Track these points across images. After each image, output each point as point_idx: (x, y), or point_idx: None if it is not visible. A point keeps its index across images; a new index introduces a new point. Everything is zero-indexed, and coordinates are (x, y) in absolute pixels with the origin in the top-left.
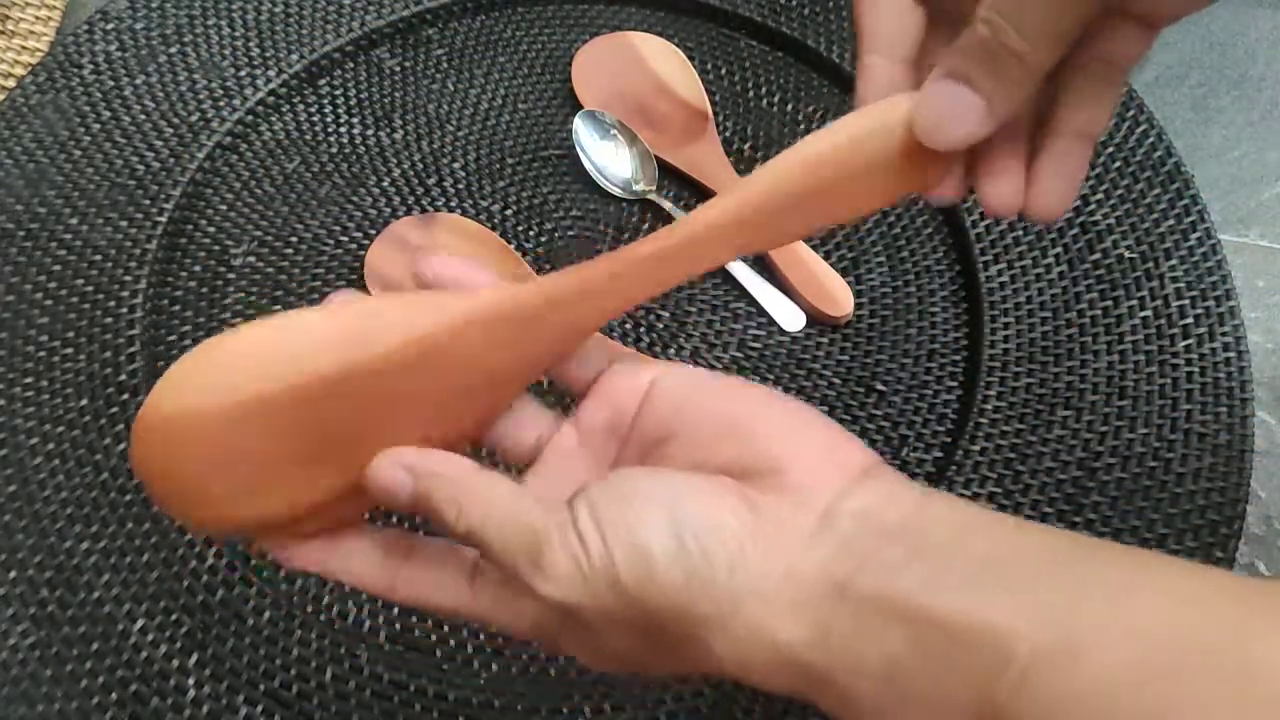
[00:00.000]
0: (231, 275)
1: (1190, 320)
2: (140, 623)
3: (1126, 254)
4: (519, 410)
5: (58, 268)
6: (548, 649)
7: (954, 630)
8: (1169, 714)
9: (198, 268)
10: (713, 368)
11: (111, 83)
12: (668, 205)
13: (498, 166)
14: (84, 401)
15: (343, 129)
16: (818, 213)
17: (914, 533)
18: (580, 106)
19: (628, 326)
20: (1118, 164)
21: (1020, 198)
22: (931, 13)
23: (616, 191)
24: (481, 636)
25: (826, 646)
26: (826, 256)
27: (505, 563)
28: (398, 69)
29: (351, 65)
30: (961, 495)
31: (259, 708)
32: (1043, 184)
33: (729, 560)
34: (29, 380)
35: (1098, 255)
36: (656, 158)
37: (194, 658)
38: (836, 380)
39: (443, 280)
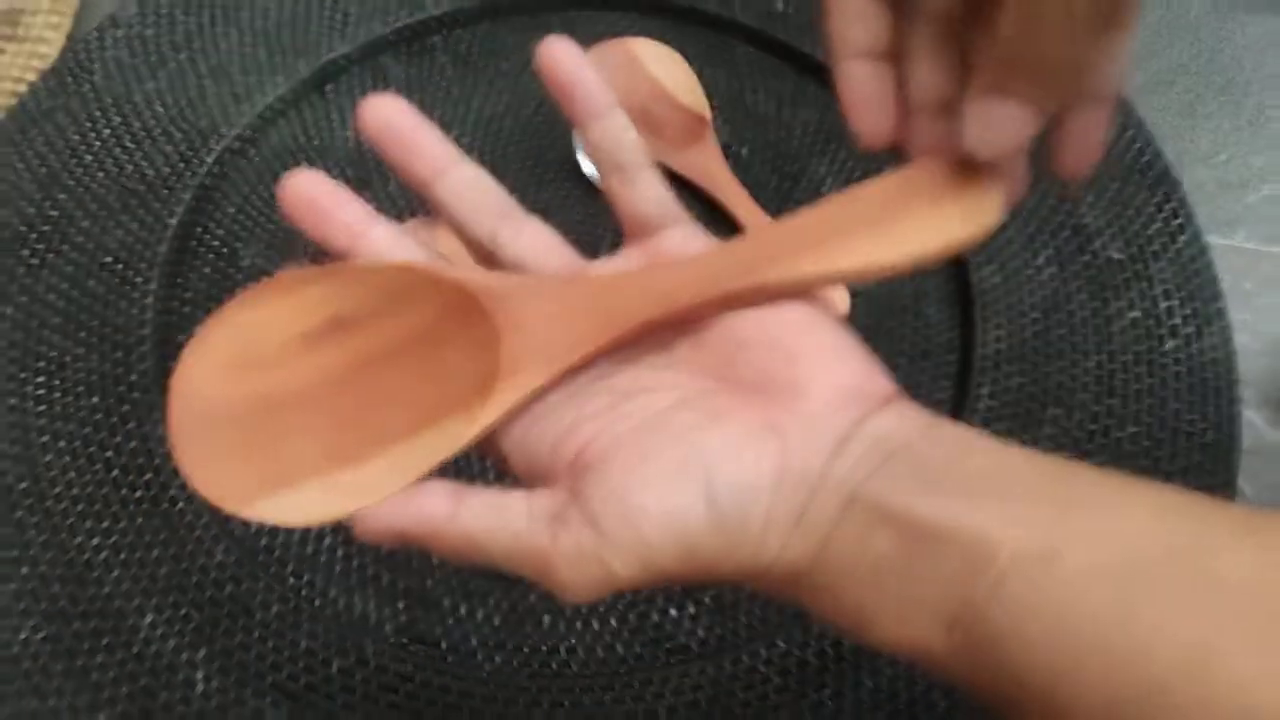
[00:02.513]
0: (240, 277)
1: (1179, 321)
2: (149, 617)
3: (1115, 256)
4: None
5: (70, 269)
6: None
7: (940, 534)
8: (1131, 612)
9: (207, 269)
10: None
11: (122, 88)
12: None
13: (500, 171)
14: (95, 400)
15: (349, 134)
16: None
17: (917, 450)
18: None
19: None
20: (1106, 167)
21: (1024, 184)
22: (895, 5)
23: None
24: (486, 630)
25: (824, 557)
26: None
27: (524, 576)
28: (402, 75)
29: (358, 71)
30: None
31: (267, 700)
32: (1073, 151)
33: (762, 518)
34: (41, 380)
35: (1088, 257)
36: (656, 162)
37: (202, 651)
38: None
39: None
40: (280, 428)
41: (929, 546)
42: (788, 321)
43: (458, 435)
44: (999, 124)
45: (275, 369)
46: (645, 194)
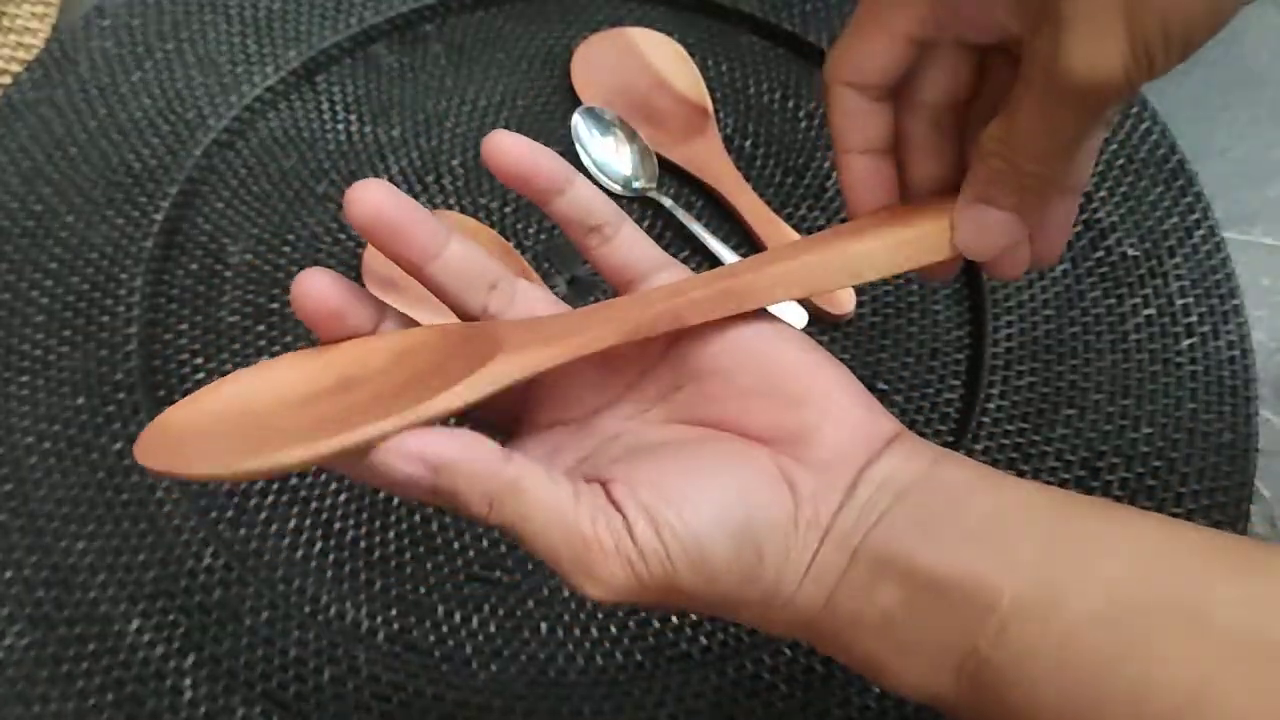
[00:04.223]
0: (228, 273)
1: (1194, 318)
2: (136, 623)
3: (1130, 252)
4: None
5: (54, 265)
6: None
7: (944, 584)
8: (1129, 656)
9: (194, 266)
10: None
11: (108, 79)
12: (668, 202)
13: None
14: (80, 400)
15: (340, 126)
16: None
17: (921, 493)
18: (579, 103)
19: None
20: (1121, 161)
21: (1026, 258)
22: (894, 99)
23: (616, 189)
24: (480, 637)
25: (833, 607)
26: None
27: (548, 561)
28: (396, 65)
29: (349, 61)
30: None
31: (256, 709)
32: (1044, 238)
33: (778, 559)
34: (25, 379)
35: (1101, 253)
36: (656, 154)
37: (191, 658)
38: None
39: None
40: (253, 426)
41: (932, 595)
42: (789, 363)
43: (442, 407)
44: (987, 230)
45: (266, 415)
46: (628, 248)
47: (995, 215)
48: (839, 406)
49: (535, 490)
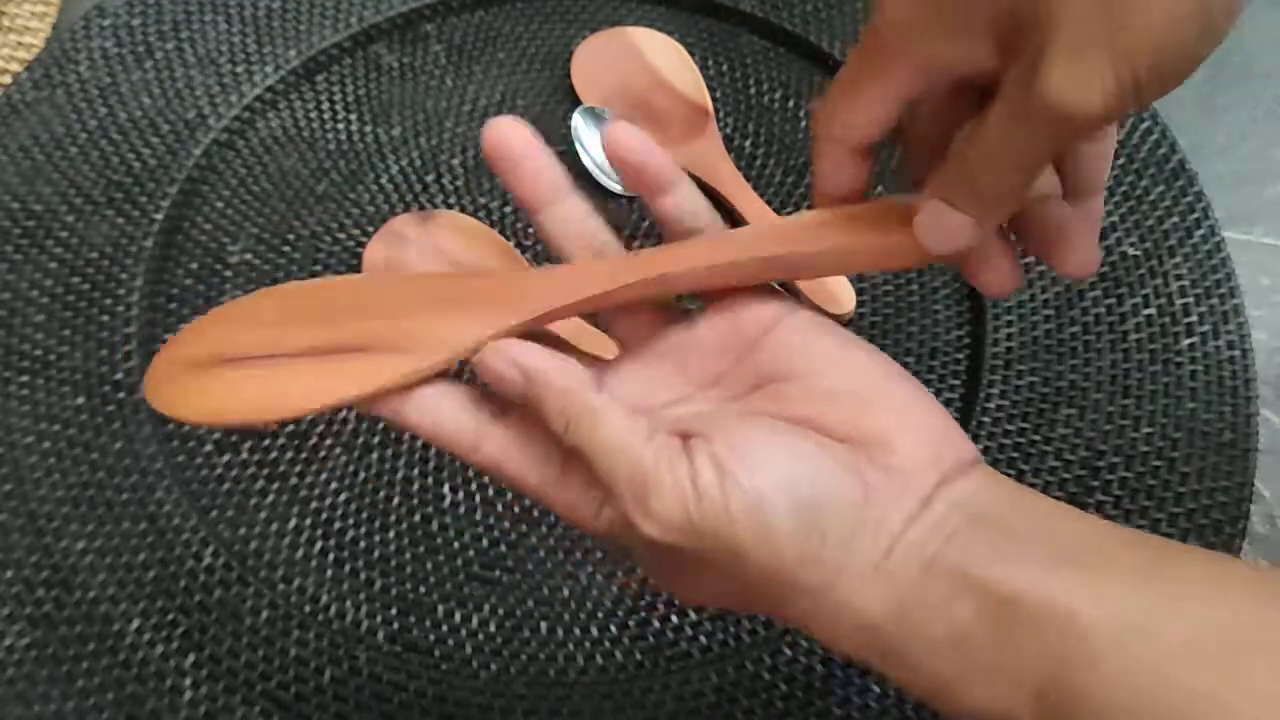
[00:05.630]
0: (228, 273)
1: (1194, 318)
2: (136, 622)
3: (1130, 251)
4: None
5: (54, 265)
6: (616, 555)
7: (1025, 605)
8: (1224, 691)
9: (194, 265)
10: None
11: (108, 79)
12: None
13: None
14: (80, 399)
15: (340, 125)
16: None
17: (1000, 517)
18: (579, 102)
19: None
20: (1121, 161)
21: (1013, 278)
22: (873, 153)
23: (616, 188)
24: (480, 637)
25: (901, 618)
26: None
27: (608, 488)
28: (396, 65)
29: (349, 61)
30: None
31: (256, 709)
32: (1074, 244)
33: (840, 548)
34: (25, 379)
35: (1101, 252)
36: None
37: (191, 658)
38: None
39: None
40: (252, 366)
41: (1015, 616)
42: (869, 373)
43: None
44: (942, 228)
45: (257, 330)
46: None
47: (952, 215)
48: (917, 418)
49: (611, 422)
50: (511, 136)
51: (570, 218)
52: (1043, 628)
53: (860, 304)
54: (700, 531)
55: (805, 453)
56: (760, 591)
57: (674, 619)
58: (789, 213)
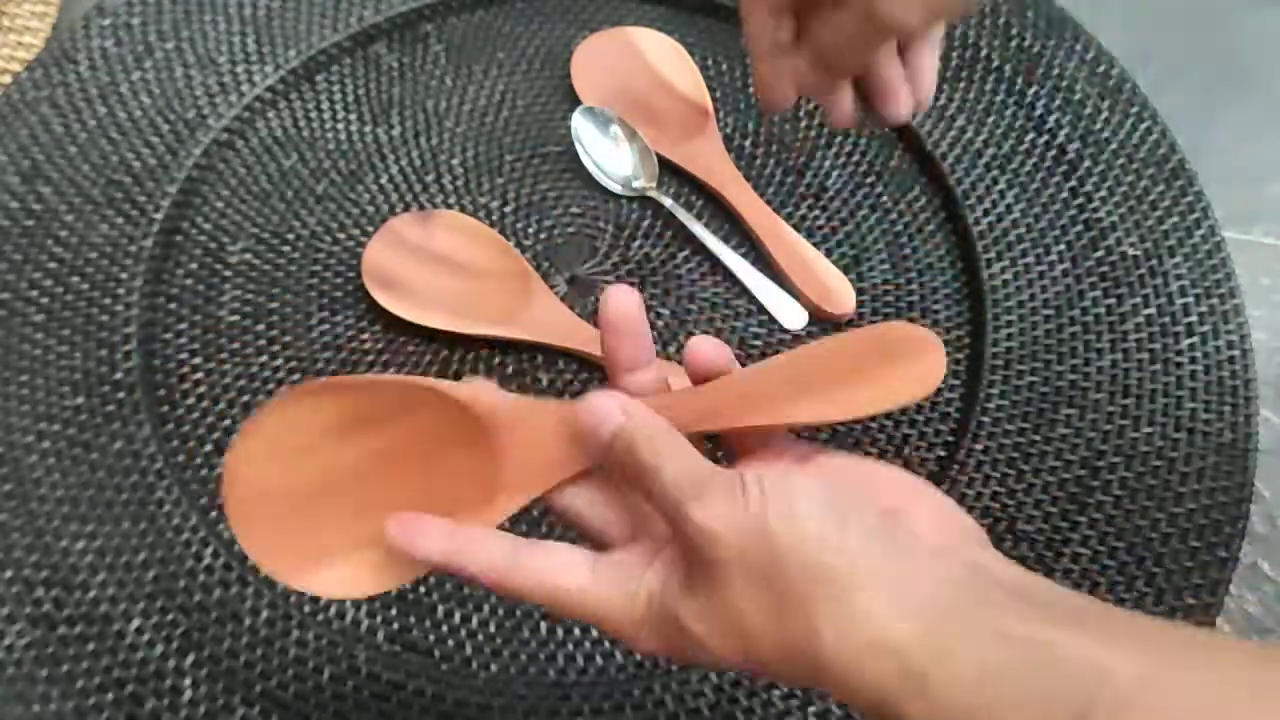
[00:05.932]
0: (228, 273)
1: (1194, 318)
2: (136, 622)
3: (1130, 251)
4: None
5: (53, 265)
6: (660, 630)
7: (1054, 649)
8: None
9: (194, 265)
10: None
11: (107, 78)
12: (668, 202)
13: (496, 163)
14: (80, 399)
15: (340, 125)
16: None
17: (1022, 587)
18: (579, 102)
19: None
20: (1121, 161)
21: (852, 114)
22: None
23: (616, 188)
24: (480, 637)
25: (926, 641)
26: (828, 254)
27: (669, 494)
28: (395, 65)
29: (349, 61)
30: (964, 494)
31: (256, 709)
32: (916, 81)
33: (866, 532)
34: (24, 378)
35: (1101, 252)
36: (656, 154)
37: (190, 658)
38: None
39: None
40: (316, 509)
41: (1041, 659)
42: (887, 472)
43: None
44: (805, 79)
45: (311, 455)
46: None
47: (791, 63)
48: (932, 500)
49: (684, 448)
50: (630, 308)
51: (643, 382)
52: (1070, 669)
53: (860, 304)
54: (740, 527)
55: (839, 489)
56: (787, 594)
57: None
58: (788, 213)
